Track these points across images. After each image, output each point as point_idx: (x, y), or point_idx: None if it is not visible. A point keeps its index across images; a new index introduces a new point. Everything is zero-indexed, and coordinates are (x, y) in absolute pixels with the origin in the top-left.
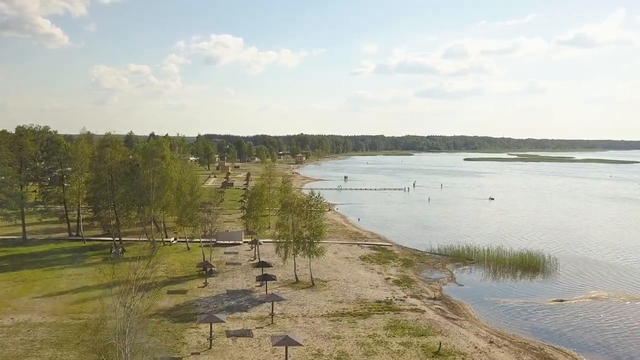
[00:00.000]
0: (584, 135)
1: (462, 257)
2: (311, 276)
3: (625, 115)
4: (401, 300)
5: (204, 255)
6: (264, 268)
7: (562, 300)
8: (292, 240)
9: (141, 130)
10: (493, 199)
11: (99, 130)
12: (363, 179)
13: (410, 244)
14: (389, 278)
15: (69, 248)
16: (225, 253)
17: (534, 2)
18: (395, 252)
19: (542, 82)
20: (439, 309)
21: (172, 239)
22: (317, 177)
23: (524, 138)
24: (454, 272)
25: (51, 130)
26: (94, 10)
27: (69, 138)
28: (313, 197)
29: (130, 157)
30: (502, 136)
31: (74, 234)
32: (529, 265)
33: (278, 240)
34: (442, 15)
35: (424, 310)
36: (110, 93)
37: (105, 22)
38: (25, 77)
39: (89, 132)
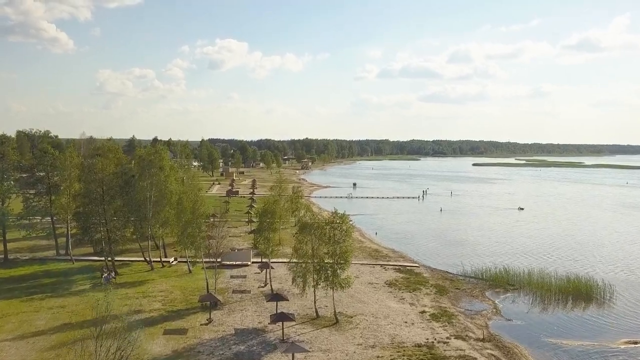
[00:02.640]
0: (590, 139)
1: (501, 282)
2: (334, 310)
3: (631, 119)
4: (444, 342)
5: (207, 283)
6: (278, 302)
7: (636, 342)
8: (311, 269)
9: (145, 134)
10: (523, 208)
11: (104, 134)
12: (372, 186)
13: (438, 264)
14: (424, 311)
15: (54, 271)
16: (231, 277)
17: (539, 7)
18: (424, 275)
19: (547, 86)
20: (492, 355)
21: (172, 259)
22: (325, 184)
23: (530, 142)
24: (496, 302)
25: (52, 134)
26: (98, 15)
27: (70, 142)
28: (337, 216)
29: (132, 163)
30: (507, 140)
31: (62, 252)
32: (580, 292)
33: (295, 268)
34: (446, 20)
35: (475, 358)
36: (114, 97)
37: (110, 27)
38: (30, 81)
39: (91, 136)
